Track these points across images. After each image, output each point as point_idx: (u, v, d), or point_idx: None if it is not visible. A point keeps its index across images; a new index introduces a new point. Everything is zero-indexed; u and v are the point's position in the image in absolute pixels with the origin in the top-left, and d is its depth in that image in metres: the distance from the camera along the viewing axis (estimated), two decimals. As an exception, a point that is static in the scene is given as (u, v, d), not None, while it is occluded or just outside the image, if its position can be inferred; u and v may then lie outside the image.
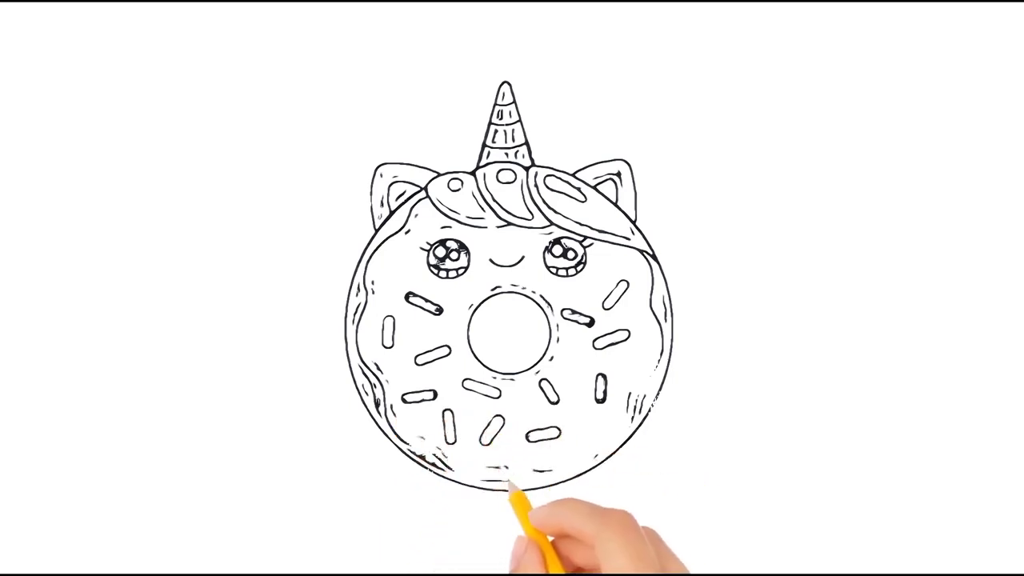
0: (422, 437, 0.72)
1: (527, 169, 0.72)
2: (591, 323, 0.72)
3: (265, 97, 0.72)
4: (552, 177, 0.72)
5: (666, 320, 0.72)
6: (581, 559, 0.51)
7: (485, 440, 0.71)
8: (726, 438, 0.72)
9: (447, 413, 0.72)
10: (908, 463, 0.73)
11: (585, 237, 0.72)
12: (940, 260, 0.73)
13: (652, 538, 0.50)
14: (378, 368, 0.72)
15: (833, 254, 0.73)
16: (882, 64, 0.73)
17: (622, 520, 0.48)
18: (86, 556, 0.71)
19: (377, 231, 0.72)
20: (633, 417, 0.71)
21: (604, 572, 0.47)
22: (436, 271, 0.72)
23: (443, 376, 0.72)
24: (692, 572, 0.50)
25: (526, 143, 0.72)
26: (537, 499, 0.54)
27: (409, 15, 0.72)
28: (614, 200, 0.72)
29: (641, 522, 0.50)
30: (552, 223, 0.72)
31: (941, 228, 0.73)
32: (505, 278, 0.72)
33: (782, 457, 0.72)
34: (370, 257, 0.72)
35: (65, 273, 0.71)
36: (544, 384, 0.72)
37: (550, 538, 0.51)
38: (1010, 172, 0.73)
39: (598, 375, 0.72)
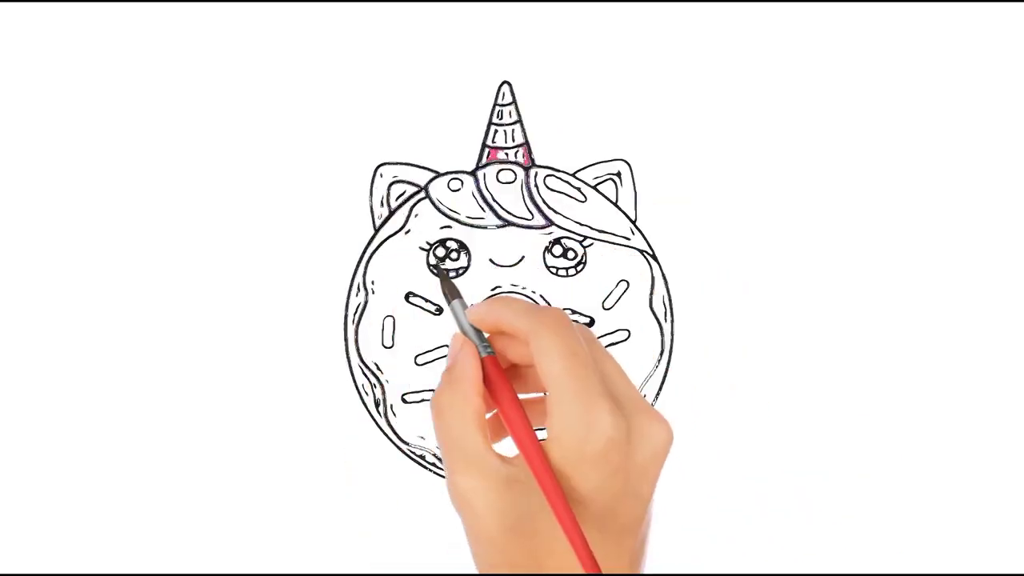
0: (422, 437, 0.72)
1: (527, 169, 0.72)
2: (591, 323, 0.72)
3: (265, 97, 0.71)
4: (552, 177, 0.72)
5: (666, 320, 0.72)
6: (515, 355, 0.50)
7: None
8: (726, 438, 0.72)
9: (447, 413, 0.72)
10: (908, 463, 0.73)
11: (585, 237, 0.72)
12: (941, 261, 0.73)
13: (586, 336, 0.49)
14: (378, 368, 0.72)
15: (833, 254, 0.73)
16: (882, 64, 0.73)
17: (556, 317, 0.47)
18: (85, 556, 0.71)
19: (377, 231, 0.72)
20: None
21: (538, 367, 0.47)
22: (436, 271, 0.72)
23: (443, 376, 0.72)
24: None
25: (526, 143, 0.72)
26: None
27: (409, 15, 0.72)
28: (614, 200, 0.72)
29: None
30: (552, 223, 0.72)
31: (942, 229, 0.73)
32: (505, 278, 0.72)
33: (782, 457, 0.72)
34: (370, 257, 0.72)
35: (66, 274, 0.71)
36: (544, 384, 0.72)
37: (486, 335, 0.51)
38: (1009, 172, 0.74)
39: (598, 375, 0.72)
